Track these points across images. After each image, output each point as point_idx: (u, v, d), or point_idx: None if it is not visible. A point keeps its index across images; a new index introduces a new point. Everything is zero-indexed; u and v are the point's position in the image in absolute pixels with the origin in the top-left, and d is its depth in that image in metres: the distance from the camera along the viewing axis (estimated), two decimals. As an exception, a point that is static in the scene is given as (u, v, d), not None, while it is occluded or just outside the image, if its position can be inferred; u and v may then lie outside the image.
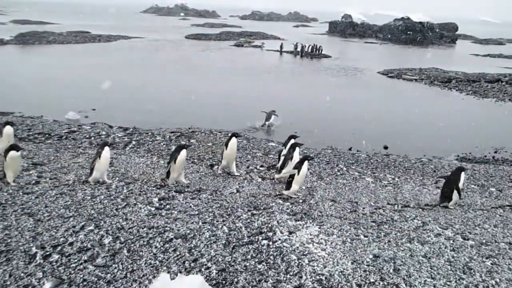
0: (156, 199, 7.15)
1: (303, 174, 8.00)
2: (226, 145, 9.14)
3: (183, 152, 7.93)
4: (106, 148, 7.80)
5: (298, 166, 7.94)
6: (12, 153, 7.33)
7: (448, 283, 5.15)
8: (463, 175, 8.19)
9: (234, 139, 9.13)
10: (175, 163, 7.87)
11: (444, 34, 70.84)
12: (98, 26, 60.16)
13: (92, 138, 12.33)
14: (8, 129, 9.05)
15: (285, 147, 9.50)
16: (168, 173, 8.09)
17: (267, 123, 16.92)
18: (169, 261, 5.19)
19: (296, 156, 8.71)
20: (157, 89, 23.44)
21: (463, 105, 24.56)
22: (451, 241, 6.33)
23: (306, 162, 7.98)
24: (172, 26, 77.98)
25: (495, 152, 15.22)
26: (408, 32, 67.82)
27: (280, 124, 16.90)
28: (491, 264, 5.67)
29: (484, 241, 6.42)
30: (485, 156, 14.60)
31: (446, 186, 8.26)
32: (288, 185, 8.04)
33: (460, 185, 8.15)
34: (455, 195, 8.10)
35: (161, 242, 5.60)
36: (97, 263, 5.01)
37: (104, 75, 24.87)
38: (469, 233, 6.70)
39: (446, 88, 29.08)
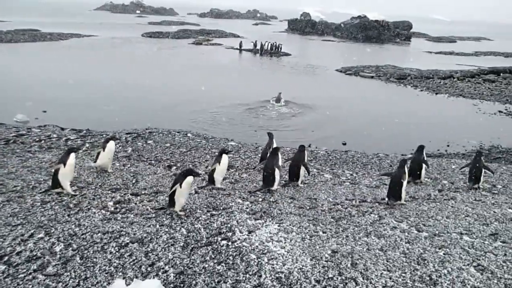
0: (111, 203, 6.99)
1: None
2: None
3: (189, 179, 6.90)
4: (72, 155, 7.37)
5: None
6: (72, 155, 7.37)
7: (403, 274, 5.23)
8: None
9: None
10: (180, 187, 6.89)
11: (399, 32, 72.39)
12: (49, 24, 58.47)
13: (43, 141, 11.89)
14: (111, 144, 8.87)
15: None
16: (172, 200, 6.95)
17: (280, 101, 21.29)
18: (125, 266, 5.06)
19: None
20: (113, 89, 22.94)
21: (418, 100, 25.16)
22: (406, 234, 6.45)
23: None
24: (128, 23, 76.71)
25: (448, 145, 15.66)
26: (365, 30, 69.00)
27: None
28: (444, 254, 5.80)
29: (437, 232, 6.57)
30: (438, 150, 14.98)
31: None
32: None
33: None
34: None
35: (116, 247, 5.47)
36: (47, 272, 4.83)
37: (55, 75, 24.33)
38: (423, 225, 6.84)
39: (402, 84, 29.74)
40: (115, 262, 5.14)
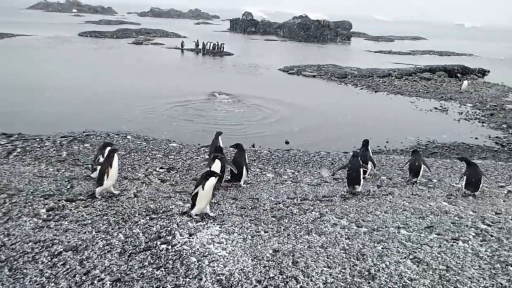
0: (44, 210, 6.69)
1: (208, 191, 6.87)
2: (203, 186, 6.81)
3: (212, 180, 6.70)
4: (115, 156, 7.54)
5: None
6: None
7: (343, 270, 5.29)
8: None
9: (212, 179, 6.94)
10: (203, 189, 6.63)
11: (339, 32, 73.93)
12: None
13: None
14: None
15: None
16: (193, 203, 6.82)
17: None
18: (58, 276, 4.87)
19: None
20: (47, 91, 22.01)
21: (358, 99, 25.72)
22: (346, 230, 6.53)
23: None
24: (64, 22, 74.25)
25: (387, 142, 16.08)
26: (306, 30, 70.03)
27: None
28: (382, 248, 5.92)
29: (375, 227, 6.70)
30: (378, 147, 15.35)
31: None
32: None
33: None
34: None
35: (49, 257, 5.26)
36: (-27, 286, 4.56)
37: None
38: (362, 221, 6.95)
39: (343, 83, 30.32)
40: (47, 272, 4.94)
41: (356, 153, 8.93)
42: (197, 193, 6.65)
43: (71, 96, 21.26)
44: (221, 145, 9.82)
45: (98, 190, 7.58)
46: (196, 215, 6.76)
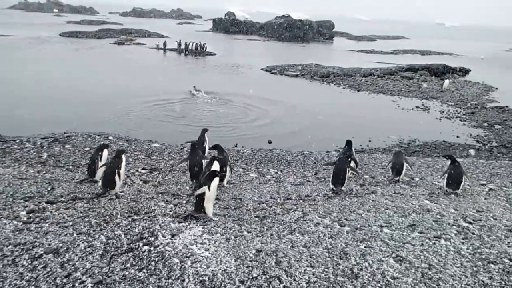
0: (24, 212, 6.57)
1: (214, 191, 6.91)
2: (209, 186, 6.75)
3: (216, 180, 6.76)
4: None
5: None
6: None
7: (326, 269, 5.30)
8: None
9: (217, 179, 7.02)
10: (209, 190, 6.59)
11: (322, 32, 74.26)
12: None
13: None
14: (105, 153, 8.62)
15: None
16: (199, 205, 6.76)
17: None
18: (38, 279, 4.79)
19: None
20: (28, 91, 21.77)
21: (341, 98, 25.87)
22: (329, 229, 6.54)
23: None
24: (44, 23, 73.34)
25: (369, 141, 16.19)
26: (289, 30, 70.21)
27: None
28: (365, 247, 5.94)
29: (358, 226, 6.72)
30: (361, 146, 15.45)
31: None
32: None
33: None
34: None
35: (29, 260, 5.16)
36: (-51, 292, 4.47)
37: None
38: (345, 220, 6.97)
39: (325, 82, 30.47)
40: (27, 275, 4.85)
41: (347, 154, 9.11)
42: (202, 194, 6.64)
43: (51, 96, 21.05)
44: (207, 141, 10.09)
45: (113, 192, 7.80)
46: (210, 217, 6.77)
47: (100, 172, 8.30)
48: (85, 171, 8.98)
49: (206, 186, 6.59)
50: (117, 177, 7.73)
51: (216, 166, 7.88)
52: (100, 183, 8.02)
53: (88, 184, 8.46)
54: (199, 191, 6.65)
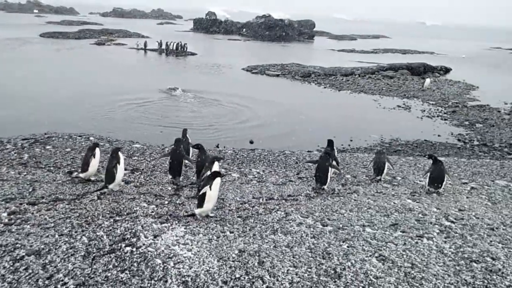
0: (5, 214, 6.52)
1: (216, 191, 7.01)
2: (210, 186, 6.90)
3: (218, 180, 6.88)
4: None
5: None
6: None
7: (309, 269, 5.30)
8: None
9: (218, 179, 7.05)
10: (210, 189, 6.72)
11: (302, 31, 74.54)
12: None
13: None
14: (98, 151, 8.83)
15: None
16: (200, 203, 6.88)
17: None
18: (20, 281, 4.76)
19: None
20: (7, 92, 21.45)
21: (322, 97, 25.96)
22: (312, 229, 6.55)
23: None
24: (25, 23, 72.36)
25: (351, 140, 16.26)
26: (270, 29, 70.32)
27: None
28: (347, 246, 5.96)
29: (341, 225, 6.74)
30: (342, 145, 15.50)
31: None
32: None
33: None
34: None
35: (11, 262, 5.13)
36: None
37: None
38: (327, 220, 6.98)
39: (306, 82, 30.57)
40: (9, 277, 4.83)
41: (328, 153, 9.15)
42: (204, 193, 6.72)
43: (31, 97, 20.83)
44: (189, 140, 10.23)
45: (111, 186, 8.05)
46: (200, 215, 6.86)
47: (93, 169, 8.64)
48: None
49: (208, 186, 6.69)
50: (115, 172, 8.00)
51: (216, 166, 7.94)
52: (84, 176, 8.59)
53: (70, 185, 8.41)
54: (202, 190, 6.76)
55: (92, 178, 8.74)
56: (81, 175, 8.68)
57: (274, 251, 5.74)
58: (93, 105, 19.75)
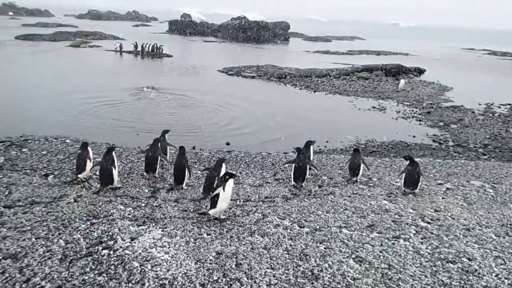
0: (-20, 218, 6.43)
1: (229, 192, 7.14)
2: (223, 187, 6.97)
3: (231, 181, 7.05)
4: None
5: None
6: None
7: (287, 271, 5.33)
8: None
9: (231, 181, 7.15)
10: (224, 190, 6.85)
11: (277, 33, 74.75)
12: None
13: None
14: (90, 150, 9.14)
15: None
16: (214, 205, 6.98)
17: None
18: (-4, 285, 4.74)
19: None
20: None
21: (298, 99, 26.01)
22: (289, 230, 6.60)
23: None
24: (-1, 26, 70.89)
25: (327, 142, 16.33)
26: (245, 31, 70.35)
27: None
28: (324, 248, 6.01)
29: (318, 227, 6.79)
30: (318, 146, 15.55)
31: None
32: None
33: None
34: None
35: (-14, 266, 5.08)
36: None
37: None
38: (304, 221, 7.03)
39: (282, 83, 30.60)
40: (-16, 282, 4.80)
41: (300, 150, 9.42)
42: (217, 194, 6.82)
43: (6, 99, 20.37)
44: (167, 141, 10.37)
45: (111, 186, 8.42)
46: (214, 216, 7.00)
47: (89, 168, 8.84)
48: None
49: (221, 187, 6.81)
50: (114, 172, 8.35)
51: (224, 168, 8.20)
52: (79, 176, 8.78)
53: (46, 187, 8.35)
54: (215, 192, 6.88)
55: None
56: (80, 175, 8.82)
57: (252, 253, 5.77)
58: (69, 107, 19.46)
